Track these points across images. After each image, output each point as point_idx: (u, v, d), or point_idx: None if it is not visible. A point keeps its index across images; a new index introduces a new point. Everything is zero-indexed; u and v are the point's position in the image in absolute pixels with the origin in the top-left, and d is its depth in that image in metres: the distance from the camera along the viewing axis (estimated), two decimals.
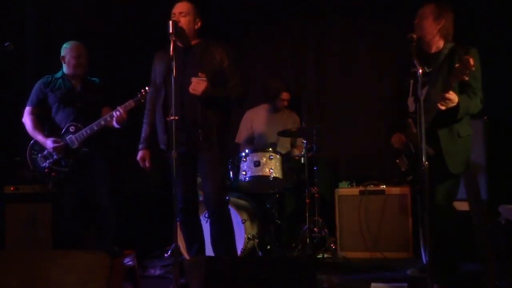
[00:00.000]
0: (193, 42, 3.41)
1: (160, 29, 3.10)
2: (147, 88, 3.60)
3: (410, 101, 3.39)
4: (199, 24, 3.41)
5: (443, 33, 3.25)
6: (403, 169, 3.52)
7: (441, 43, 3.27)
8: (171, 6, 3.40)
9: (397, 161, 3.55)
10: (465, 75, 2.87)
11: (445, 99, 2.96)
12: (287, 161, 4.35)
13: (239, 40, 5.29)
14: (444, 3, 3.28)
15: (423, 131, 2.83)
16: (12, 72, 4.56)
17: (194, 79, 3.22)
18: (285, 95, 4.91)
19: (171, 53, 3.00)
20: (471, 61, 2.80)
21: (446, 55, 3.21)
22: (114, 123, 3.70)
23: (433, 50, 3.28)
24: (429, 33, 3.23)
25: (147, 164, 3.46)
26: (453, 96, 2.98)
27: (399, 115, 3.49)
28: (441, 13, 3.22)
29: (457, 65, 2.91)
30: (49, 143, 3.72)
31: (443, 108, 2.98)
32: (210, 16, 3.49)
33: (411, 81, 3.37)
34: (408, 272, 3.72)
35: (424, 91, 3.16)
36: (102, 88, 3.95)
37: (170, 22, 3.07)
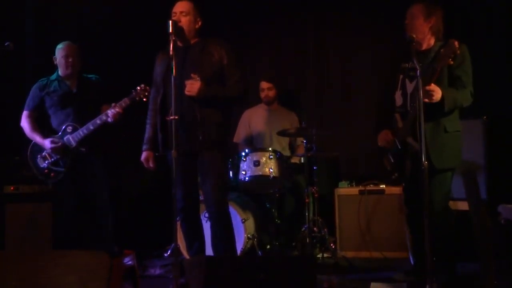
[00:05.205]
0: (192, 41, 3.41)
1: (160, 28, 3.10)
2: (143, 86, 3.61)
3: (398, 95, 3.39)
4: (199, 23, 3.41)
5: (434, 30, 3.28)
6: (388, 168, 3.51)
7: (432, 41, 3.31)
8: (172, 4, 3.39)
9: (384, 160, 3.55)
10: (450, 59, 2.89)
11: (428, 91, 2.95)
12: (286, 160, 4.35)
13: (238, 40, 5.29)
14: (432, 1, 3.30)
15: (422, 131, 2.83)
16: (12, 72, 4.56)
17: (187, 82, 3.22)
18: (263, 84, 4.89)
19: (170, 52, 3.00)
20: (456, 44, 2.84)
21: (437, 52, 3.21)
22: (109, 119, 3.70)
23: (424, 47, 3.32)
24: (421, 32, 3.26)
25: (151, 165, 3.46)
26: (435, 88, 2.97)
27: (386, 109, 3.49)
28: (431, 12, 3.26)
29: (442, 50, 2.93)
30: (47, 143, 3.74)
31: (426, 101, 2.97)
32: (209, 15, 3.49)
33: (400, 76, 3.38)
34: (394, 276, 3.58)
35: (413, 85, 3.18)
36: (99, 85, 3.97)
37: (170, 21, 3.07)
